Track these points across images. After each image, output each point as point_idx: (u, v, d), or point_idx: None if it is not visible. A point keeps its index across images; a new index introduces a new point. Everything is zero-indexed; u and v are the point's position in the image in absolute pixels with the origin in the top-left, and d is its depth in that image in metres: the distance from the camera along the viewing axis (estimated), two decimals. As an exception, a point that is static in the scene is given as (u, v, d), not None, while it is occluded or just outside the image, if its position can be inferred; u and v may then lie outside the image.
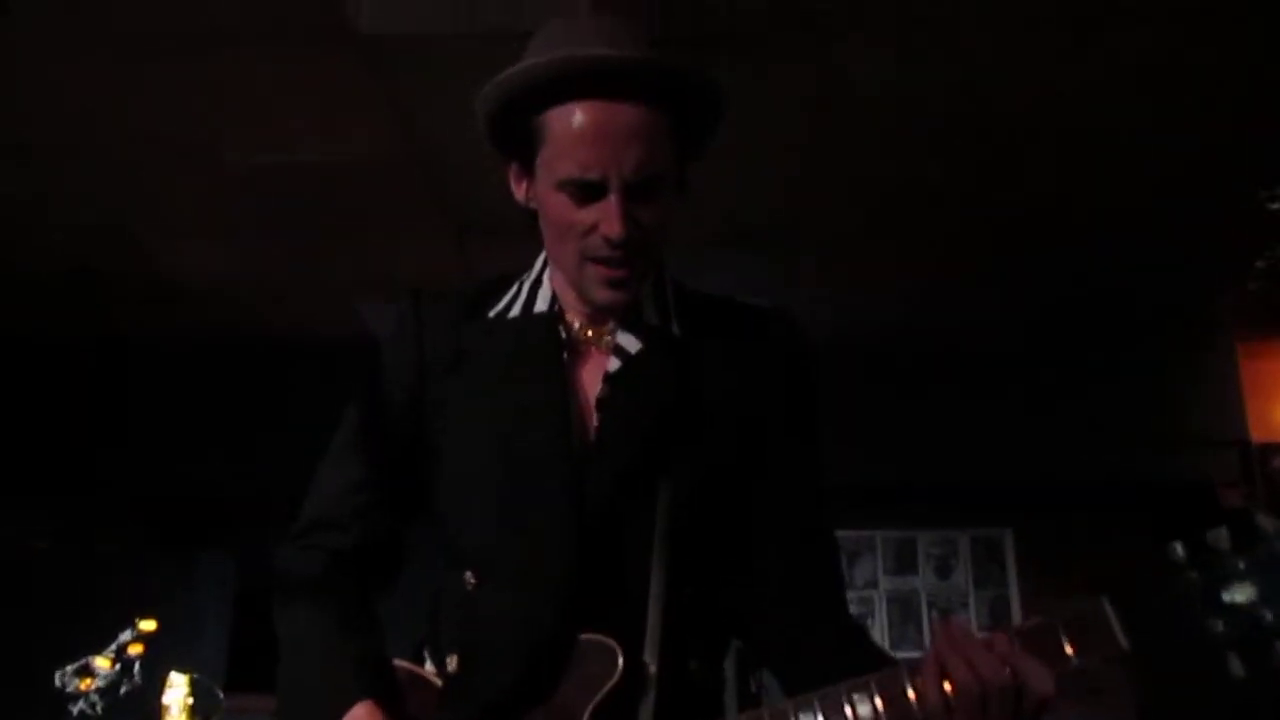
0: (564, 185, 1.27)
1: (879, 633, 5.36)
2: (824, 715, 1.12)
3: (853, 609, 5.10)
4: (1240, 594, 0.97)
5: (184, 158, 3.85)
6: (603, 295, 1.31)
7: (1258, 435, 5.30)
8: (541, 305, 1.40)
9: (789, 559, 1.35)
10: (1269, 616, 0.97)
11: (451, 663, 1.33)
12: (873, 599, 5.44)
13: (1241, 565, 0.98)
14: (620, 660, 1.21)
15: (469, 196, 3.97)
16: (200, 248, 4.62)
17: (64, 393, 5.51)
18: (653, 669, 1.23)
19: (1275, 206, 4.00)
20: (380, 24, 3.09)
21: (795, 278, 4.83)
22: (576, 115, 1.25)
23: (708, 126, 1.34)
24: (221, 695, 3.97)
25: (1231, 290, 4.88)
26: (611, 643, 1.22)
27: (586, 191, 1.26)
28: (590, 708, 1.20)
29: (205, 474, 5.39)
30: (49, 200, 4.24)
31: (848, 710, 1.11)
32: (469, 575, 1.32)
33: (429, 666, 1.37)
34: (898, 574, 5.48)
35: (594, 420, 1.32)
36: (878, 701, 1.10)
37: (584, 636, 1.22)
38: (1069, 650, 1.06)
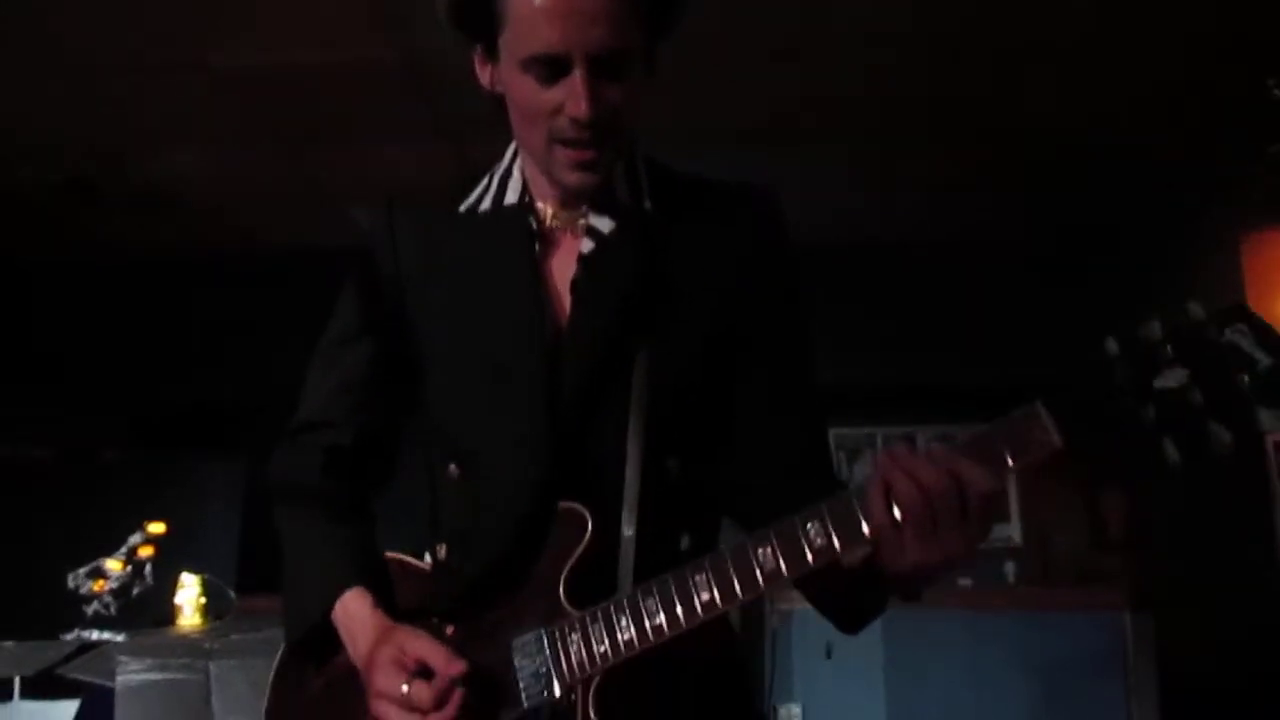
0: (528, 65, 1.23)
1: (879, 528, 5.40)
2: (779, 543, 1.14)
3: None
4: (1171, 379, 0.98)
5: (169, 63, 3.82)
6: (572, 178, 1.29)
7: (1259, 327, 5.27)
8: (511, 196, 1.39)
9: (773, 431, 1.36)
10: (1199, 398, 0.98)
11: (440, 551, 1.36)
12: (873, 495, 5.48)
13: (1171, 352, 0.99)
14: (590, 524, 1.22)
15: (464, 98, 3.93)
16: (192, 157, 4.61)
17: (64, 309, 5.54)
18: (629, 533, 1.25)
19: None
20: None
21: (801, 179, 4.80)
22: None
23: (674, 3, 1.30)
24: (233, 595, 4.06)
25: (1236, 182, 4.84)
26: (581, 508, 1.23)
27: (551, 70, 1.22)
28: (565, 572, 1.22)
29: (209, 383, 5.45)
30: (37, 116, 4.22)
31: (800, 537, 1.13)
32: (453, 467, 1.35)
33: (426, 558, 1.40)
34: (897, 470, 5.51)
35: (567, 303, 1.32)
36: (829, 524, 1.12)
37: (561, 506, 1.24)
38: (1006, 453, 1.08)
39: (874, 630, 1.36)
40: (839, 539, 1.12)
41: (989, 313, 5.31)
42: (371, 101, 4.13)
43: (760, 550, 1.14)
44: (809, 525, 1.13)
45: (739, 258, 1.37)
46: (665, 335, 1.31)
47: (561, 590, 1.22)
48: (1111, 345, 1.03)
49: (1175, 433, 0.99)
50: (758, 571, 1.14)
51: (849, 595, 1.26)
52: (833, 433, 5.41)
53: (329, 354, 1.46)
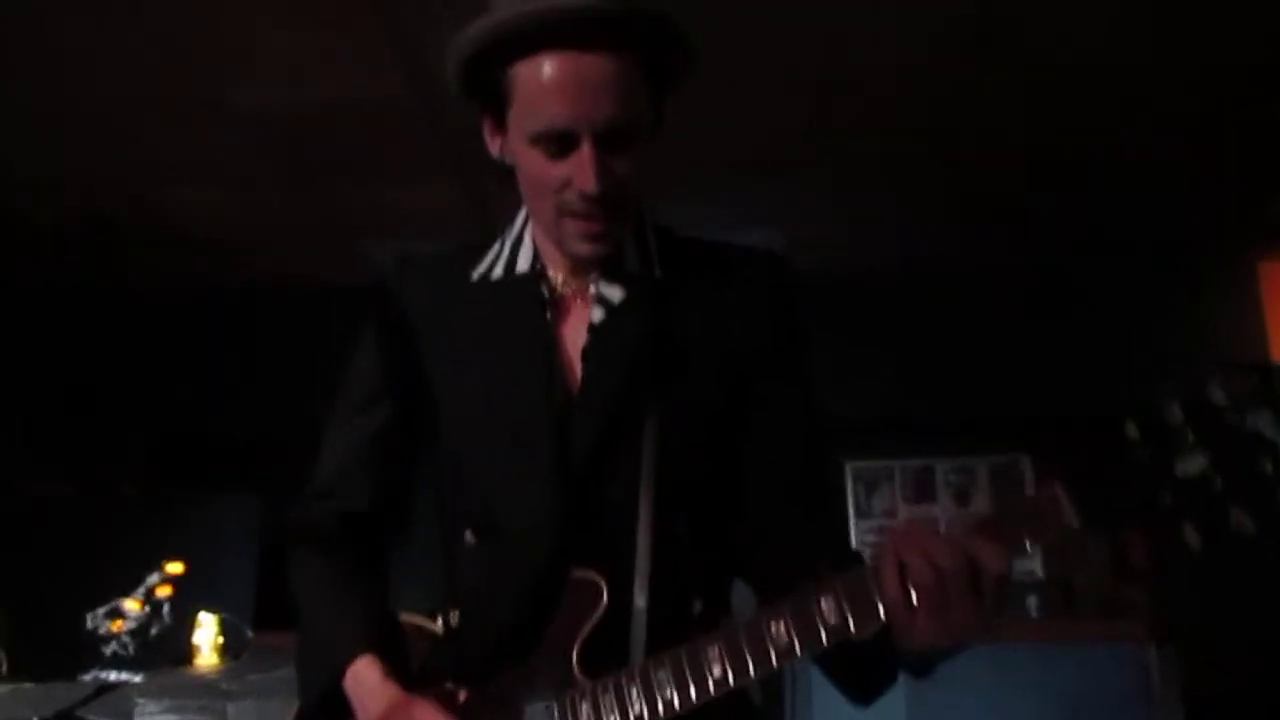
0: (536, 140, 1.24)
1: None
2: (794, 621, 1.14)
3: (871, 538, 5.10)
4: (1192, 465, 0.97)
5: (187, 101, 3.85)
6: (582, 249, 1.30)
7: (1280, 357, 5.24)
8: (523, 264, 1.40)
9: (784, 498, 1.36)
10: (1220, 485, 0.97)
11: (454, 617, 1.37)
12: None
13: (1192, 437, 0.98)
14: (605, 594, 1.23)
15: (474, 134, 3.96)
16: (210, 192, 4.65)
17: (81, 342, 5.58)
18: (641, 603, 1.25)
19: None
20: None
21: (812, 208, 4.81)
22: (544, 68, 1.22)
23: (680, 65, 1.31)
24: (250, 633, 4.06)
25: (1254, 210, 4.82)
26: (596, 577, 1.24)
27: (559, 145, 1.23)
28: (578, 643, 1.23)
29: (225, 418, 5.47)
30: (56, 152, 4.26)
31: (814, 614, 1.13)
32: (469, 535, 1.36)
33: (438, 622, 1.41)
34: (916, 503, 5.48)
35: (578, 371, 1.33)
36: (843, 602, 1.12)
37: (575, 574, 1.25)
38: (1025, 535, 1.08)
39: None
40: (853, 617, 1.12)
41: (1005, 343, 5.29)
42: (387, 138, 4.15)
43: (774, 626, 1.14)
44: (823, 601, 1.13)
45: (748, 323, 1.38)
46: (675, 400, 1.32)
47: (574, 659, 1.22)
48: (1131, 429, 1.02)
49: (1196, 518, 0.99)
50: (771, 649, 1.14)
51: (860, 668, 1.25)
52: (850, 465, 5.46)
53: (345, 417, 1.47)
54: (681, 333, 1.34)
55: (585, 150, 1.22)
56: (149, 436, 5.55)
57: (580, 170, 1.23)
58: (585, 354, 1.34)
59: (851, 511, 5.44)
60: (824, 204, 4.80)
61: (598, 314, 1.35)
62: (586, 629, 1.23)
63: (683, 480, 1.31)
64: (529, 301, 1.37)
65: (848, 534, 1.56)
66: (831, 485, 1.45)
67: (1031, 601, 5.24)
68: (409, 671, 1.31)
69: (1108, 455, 1.01)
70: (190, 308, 5.61)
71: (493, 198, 4.54)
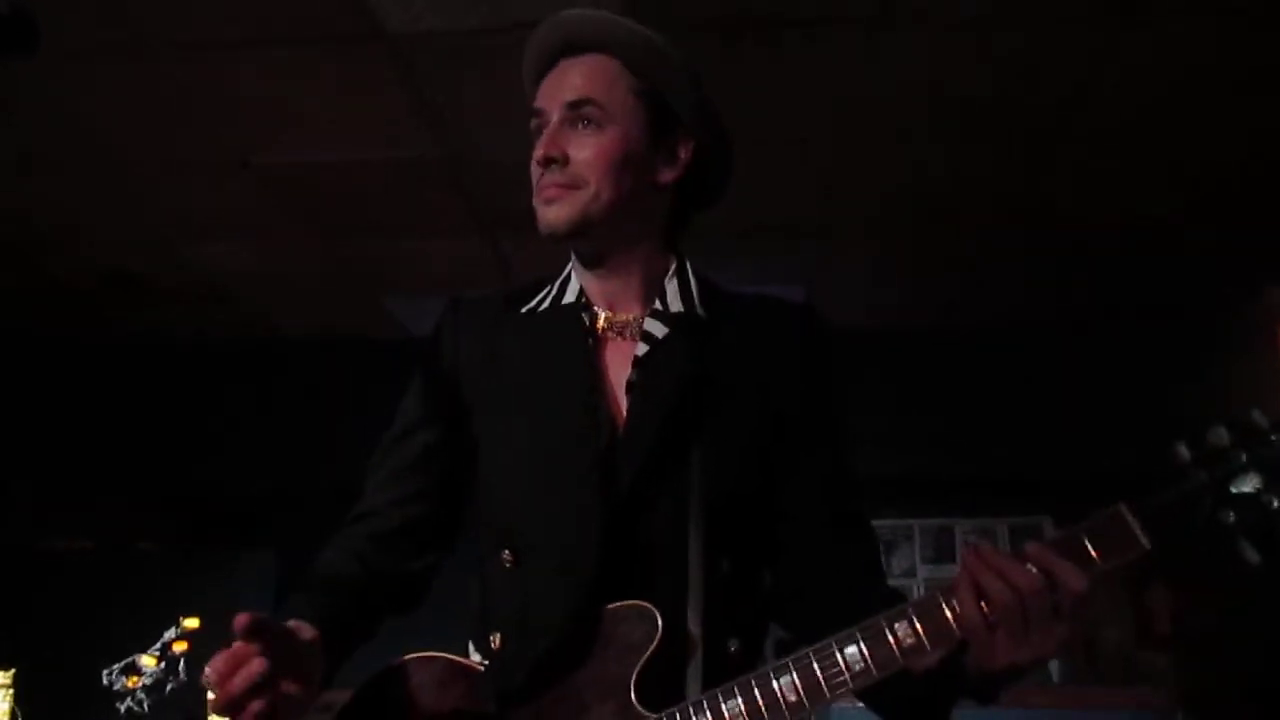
0: (532, 131, 1.41)
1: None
2: (867, 644, 1.14)
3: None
4: (1247, 484, 0.99)
5: (215, 160, 3.92)
6: (541, 217, 1.38)
7: (1300, 419, 5.21)
8: (569, 297, 1.45)
9: (821, 542, 1.37)
10: (1275, 503, 0.98)
11: (495, 640, 1.35)
12: (911, 589, 5.40)
13: (1244, 458, 1.00)
14: (660, 623, 1.22)
15: (499, 192, 4.02)
16: (233, 249, 4.70)
17: (103, 395, 5.61)
18: (697, 634, 1.25)
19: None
20: (407, 22, 3.13)
21: (831, 268, 4.85)
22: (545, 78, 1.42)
23: (682, 91, 1.41)
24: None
25: (1276, 270, 4.83)
26: (650, 607, 1.23)
27: (537, 125, 1.39)
28: (636, 671, 1.22)
29: (243, 474, 5.47)
30: (83, 208, 4.33)
31: (889, 637, 1.13)
32: (506, 554, 1.35)
33: (474, 655, 1.39)
34: (936, 563, 5.44)
35: (623, 403, 1.35)
36: (918, 625, 1.12)
37: (623, 604, 1.24)
38: (1094, 554, 1.09)
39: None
40: (929, 639, 1.12)
41: (1026, 403, 5.28)
42: (410, 196, 4.20)
43: (846, 649, 1.14)
44: (896, 625, 1.13)
45: (784, 364, 1.41)
46: (720, 435, 1.33)
47: (633, 690, 1.21)
48: (1183, 451, 1.04)
49: (1254, 535, 1.00)
50: (844, 671, 1.14)
51: (917, 699, 1.24)
52: (869, 525, 5.41)
53: (387, 447, 1.49)
54: (722, 370, 1.37)
55: (551, 123, 1.37)
56: (167, 492, 5.56)
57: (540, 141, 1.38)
58: (630, 386, 1.36)
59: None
60: (842, 264, 4.83)
61: (642, 348, 1.38)
62: (644, 659, 1.21)
63: (728, 515, 1.31)
64: (573, 328, 1.41)
65: (884, 571, 1.53)
66: (868, 526, 1.45)
67: (1054, 666, 5.17)
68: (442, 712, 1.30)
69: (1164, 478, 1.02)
70: (210, 362, 5.65)
71: (514, 253, 4.59)
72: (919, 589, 5.40)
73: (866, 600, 1.21)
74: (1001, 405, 5.26)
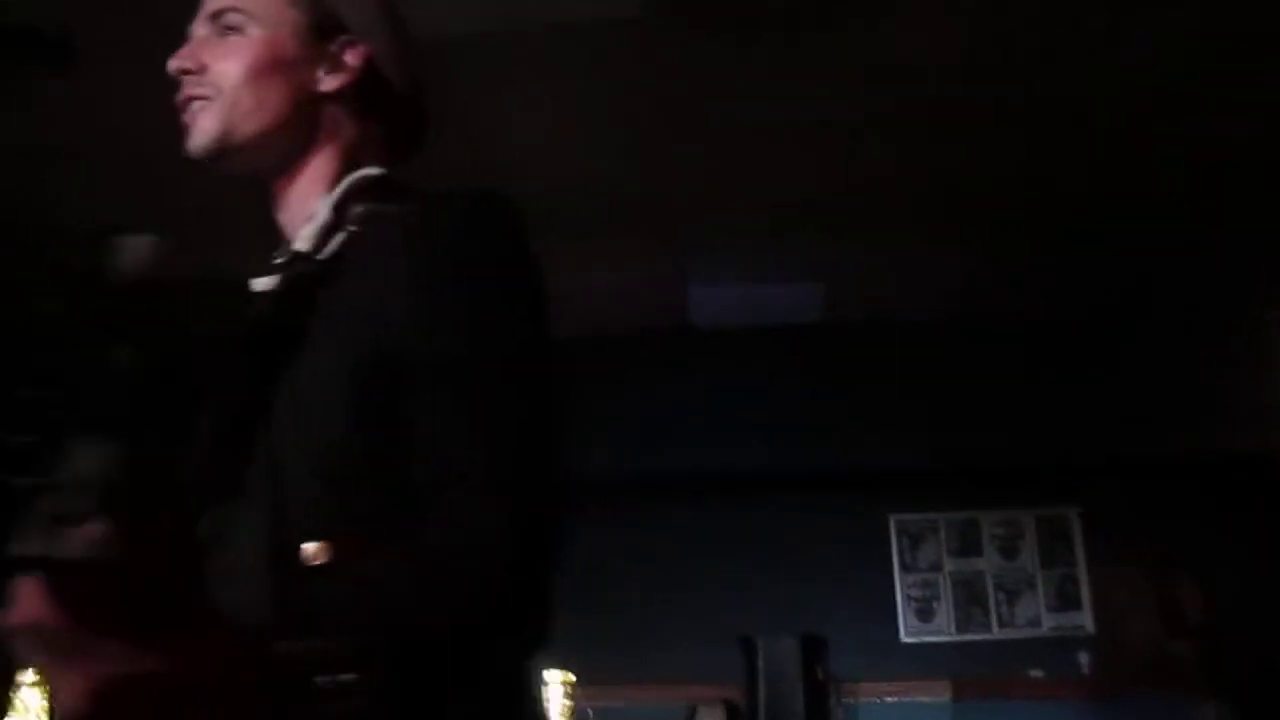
0: None
1: (945, 616, 5.28)
2: None
3: (918, 591, 5.02)
4: None
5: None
6: (188, 140, 1.24)
7: (1327, 404, 5.15)
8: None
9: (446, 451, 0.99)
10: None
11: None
12: (937, 582, 5.37)
13: None
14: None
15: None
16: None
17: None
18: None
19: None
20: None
21: (852, 256, 4.81)
22: None
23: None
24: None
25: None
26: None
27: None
28: None
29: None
30: (111, 209, 4.34)
31: None
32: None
33: None
34: (962, 556, 5.40)
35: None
36: None
37: None
38: None
39: (946, 721, 1.32)
40: None
41: (1050, 391, 5.23)
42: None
43: None
44: None
45: (391, 286, 1.07)
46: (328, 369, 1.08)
47: None
48: None
49: None
50: None
51: None
52: (894, 519, 5.38)
53: None
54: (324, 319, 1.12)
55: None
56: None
57: None
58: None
59: (896, 565, 5.38)
60: (863, 254, 4.80)
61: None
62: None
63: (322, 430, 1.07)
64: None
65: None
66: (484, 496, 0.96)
67: (1082, 657, 5.14)
68: None
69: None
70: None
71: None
72: (946, 582, 5.37)
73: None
74: (1025, 395, 5.22)
